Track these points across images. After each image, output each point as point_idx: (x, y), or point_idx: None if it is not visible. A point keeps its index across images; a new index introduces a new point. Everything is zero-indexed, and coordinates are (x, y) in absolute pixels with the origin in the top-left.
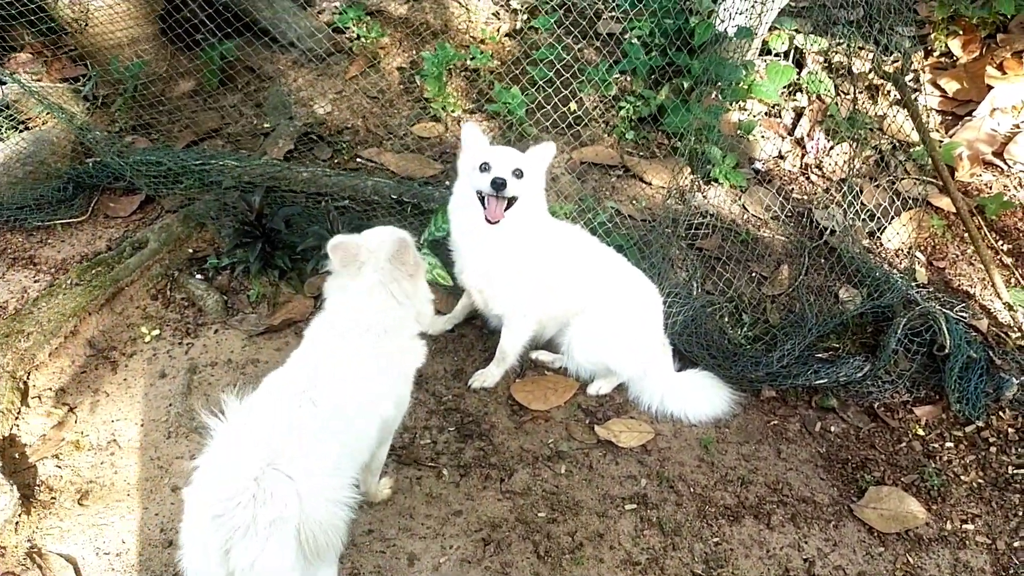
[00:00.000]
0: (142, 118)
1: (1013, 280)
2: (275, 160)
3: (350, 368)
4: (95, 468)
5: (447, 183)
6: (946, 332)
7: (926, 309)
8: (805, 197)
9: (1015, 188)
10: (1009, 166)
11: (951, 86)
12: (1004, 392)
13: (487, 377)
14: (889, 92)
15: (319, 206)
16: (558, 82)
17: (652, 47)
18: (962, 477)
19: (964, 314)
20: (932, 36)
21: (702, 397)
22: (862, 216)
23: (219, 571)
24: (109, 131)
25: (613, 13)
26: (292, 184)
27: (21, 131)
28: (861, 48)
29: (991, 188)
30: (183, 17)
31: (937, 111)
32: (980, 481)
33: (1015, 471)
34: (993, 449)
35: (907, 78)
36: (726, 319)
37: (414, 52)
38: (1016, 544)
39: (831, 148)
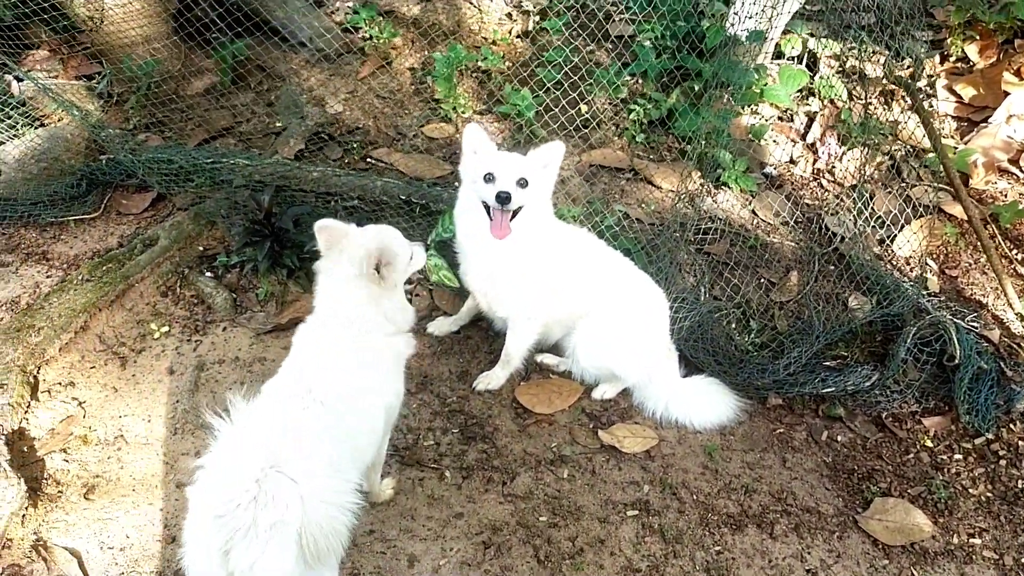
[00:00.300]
0: (155, 116)
1: None
2: (286, 159)
3: (333, 360)
4: (102, 463)
5: (456, 184)
6: (956, 342)
7: (936, 318)
8: (816, 203)
9: None
10: None
11: (967, 92)
12: (1015, 404)
13: (492, 379)
14: (903, 97)
15: (329, 206)
16: (568, 84)
17: (663, 50)
18: (970, 490)
19: (976, 324)
20: (948, 41)
21: (707, 404)
22: (873, 223)
23: (219, 572)
24: (123, 128)
25: (624, 15)
26: (302, 183)
27: (37, 127)
28: (874, 53)
29: (1006, 196)
30: (195, 16)
31: (953, 117)
32: (988, 495)
33: None
34: (1003, 462)
35: (920, 84)
36: (733, 325)
37: (426, 52)
38: None
39: (843, 153)
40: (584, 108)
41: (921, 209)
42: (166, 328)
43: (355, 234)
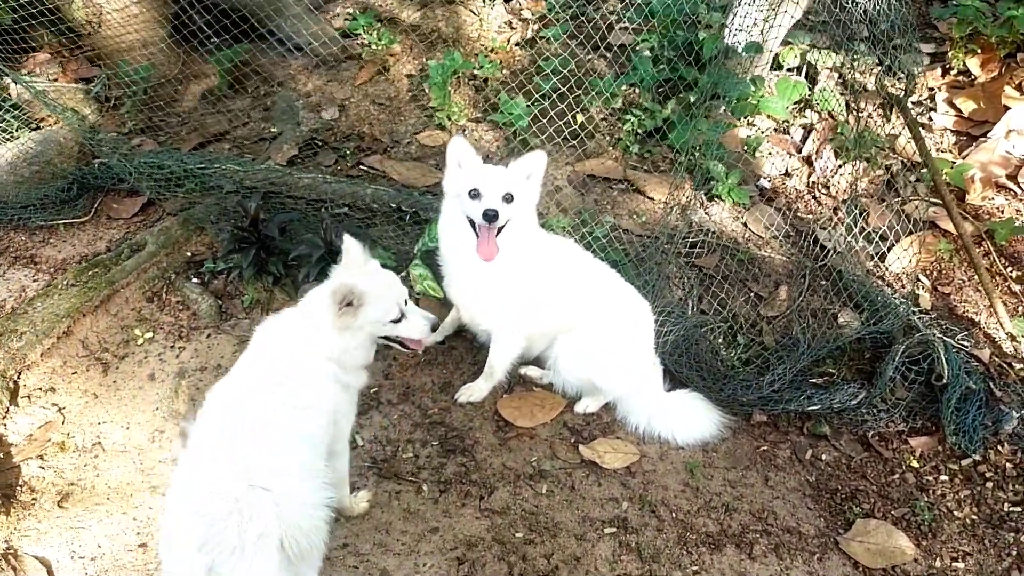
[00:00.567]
0: (151, 120)
1: (1021, 309)
2: (277, 166)
3: (286, 366)
4: (78, 470)
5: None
6: (945, 361)
7: (925, 337)
8: (810, 216)
9: None
10: (1023, 190)
11: (967, 106)
12: (1003, 426)
13: (474, 391)
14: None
15: (320, 212)
16: (563, 93)
17: (661, 60)
18: (955, 513)
19: (966, 343)
20: (950, 54)
21: (691, 419)
22: (864, 238)
23: None
24: (119, 132)
25: (625, 25)
26: (293, 190)
27: (33, 130)
28: (874, 67)
29: (1003, 212)
30: (193, 20)
31: (952, 131)
32: (974, 518)
33: (1011, 508)
34: (989, 484)
35: (912, 98)
36: (720, 340)
37: (424, 60)
38: None
39: (839, 167)
40: (580, 117)
41: (915, 224)
42: (150, 334)
43: (359, 266)
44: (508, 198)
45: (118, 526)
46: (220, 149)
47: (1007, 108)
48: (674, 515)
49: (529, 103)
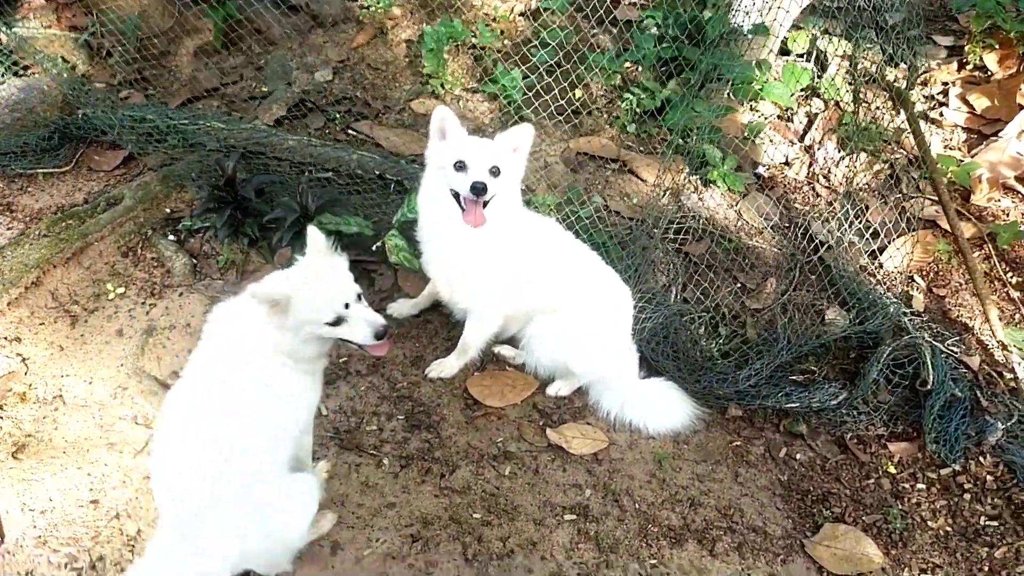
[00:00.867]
0: (141, 73)
1: (1018, 317)
2: (263, 126)
3: (235, 357)
4: (37, 422)
5: None
6: (931, 367)
7: (913, 340)
8: (806, 208)
9: None
10: None
11: (981, 103)
12: (987, 436)
13: (445, 367)
14: (915, 103)
15: (302, 176)
16: (562, 67)
17: (666, 38)
18: (929, 523)
19: (955, 348)
20: (967, 48)
21: (664, 409)
22: (860, 233)
23: None
24: (108, 84)
25: (633, 0)
26: (277, 151)
27: (19, 76)
28: (880, 56)
29: (1008, 215)
30: None
31: (962, 128)
32: (948, 529)
33: (987, 522)
34: (967, 496)
35: (925, 91)
36: (701, 330)
37: (424, 25)
38: None
39: (841, 159)
40: (579, 92)
41: (915, 223)
42: (122, 289)
43: (320, 258)
44: (495, 171)
45: (72, 481)
46: (209, 106)
47: (1021, 107)
48: (637, 506)
49: (526, 76)
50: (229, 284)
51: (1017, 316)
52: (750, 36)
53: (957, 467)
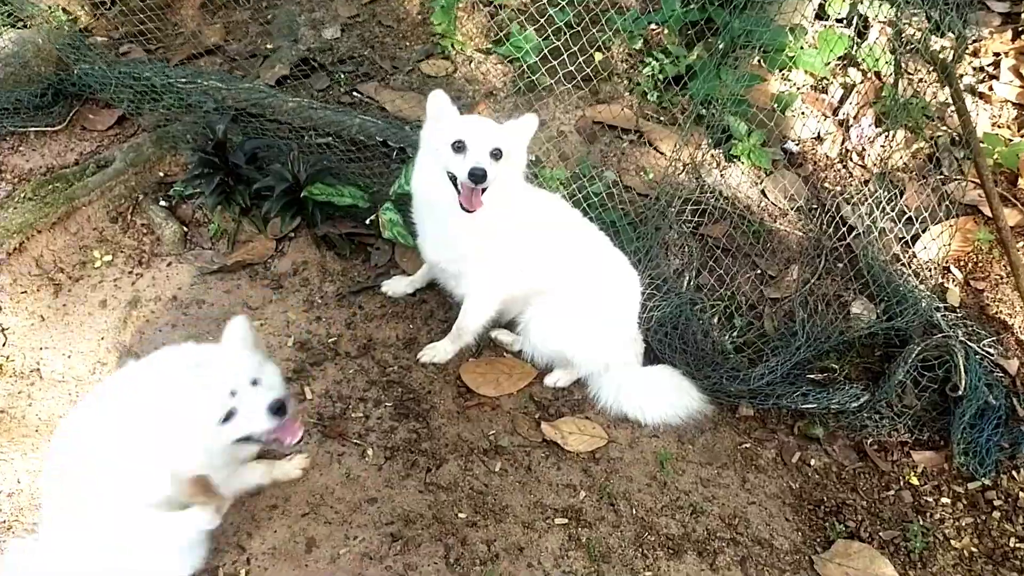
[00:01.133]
0: (143, 26)
1: None
2: (264, 85)
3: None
4: (11, 397)
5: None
6: (963, 371)
7: (945, 340)
8: (837, 189)
9: None
10: None
11: None
12: (1022, 449)
13: (438, 352)
14: (961, 76)
15: (301, 140)
16: (579, 25)
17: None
18: (952, 542)
19: (992, 350)
20: None
21: (664, 396)
22: (895, 218)
23: None
24: (109, 37)
25: None
26: (276, 114)
27: (20, 28)
28: (925, 22)
29: None
30: None
31: (1014, 104)
32: (973, 550)
33: (1018, 544)
34: (996, 514)
35: (975, 63)
36: (715, 320)
37: None
38: None
39: (878, 135)
40: (598, 56)
41: (956, 208)
42: (109, 257)
43: (235, 350)
44: (496, 154)
45: (43, 462)
46: (211, 63)
47: None
48: (635, 511)
49: (545, 36)
50: (219, 254)
51: None
52: None
53: (987, 481)
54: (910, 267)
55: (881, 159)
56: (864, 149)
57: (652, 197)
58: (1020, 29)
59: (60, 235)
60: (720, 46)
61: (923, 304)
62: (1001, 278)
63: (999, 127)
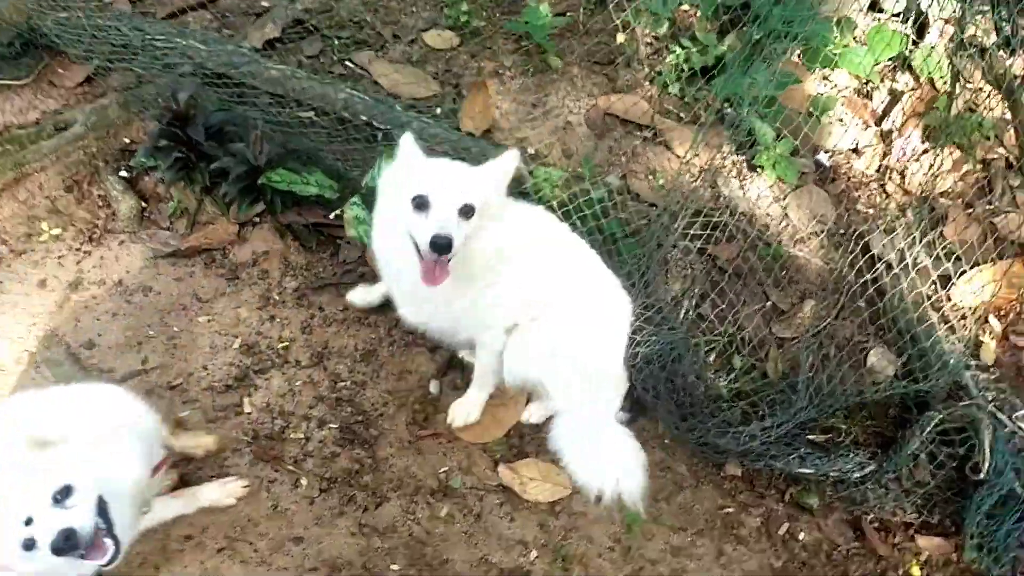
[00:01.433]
0: None
1: None
2: (250, 48)
3: None
4: None
5: (438, 109)
6: (987, 450)
7: (971, 412)
8: (870, 211)
9: None
10: None
11: None
12: None
13: (470, 408)
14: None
15: (283, 113)
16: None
17: None
18: None
19: None
20: None
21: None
22: (935, 251)
23: None
24: None
25: None
26: (257, 82)
27: None
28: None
29: None
30: None
31: None
32: None
33: None
34: None
35: None
36: (711, 358)
37: None
38: None
39: (924, 152)
40: (620, 36)
41: (1006, 246)
42: (58, 230)
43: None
44: (467, 211)
45: None
46: (201, 19)
47: None
48: None
49: (561, 14)
50: (176, 235)
51: None
52: None
53: None
54: (942, 313)
55: (927, 179)
56: (906, 167)
57: (660, 207)
58: None
59: (7, 203)
60: (755, 36)
61: (952, 360)
62: None
63: None
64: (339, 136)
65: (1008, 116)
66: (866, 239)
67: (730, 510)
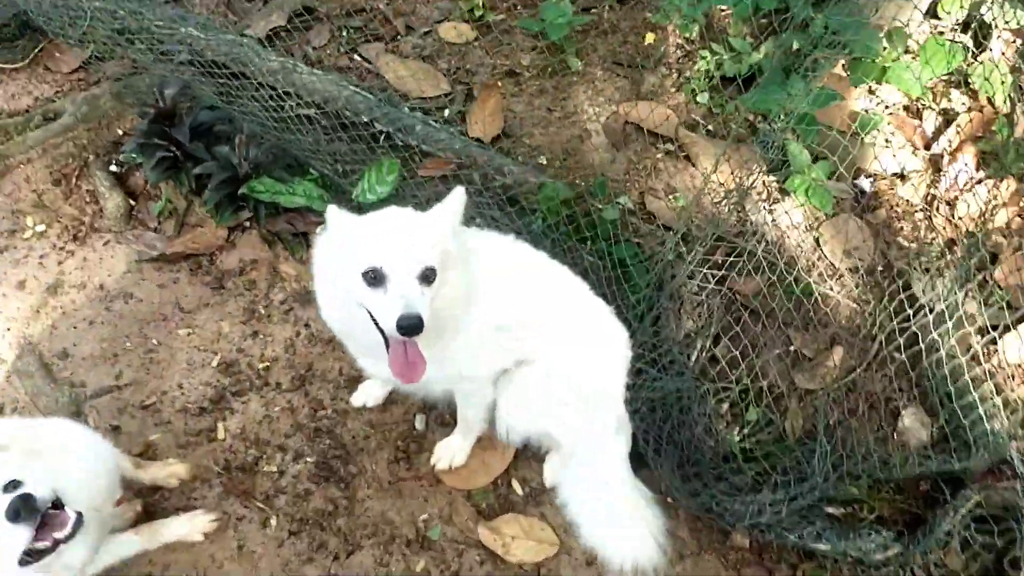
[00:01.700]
0: None
1: None
2: (247, 38)
3: None
4: None
5: (446, 110)
6: None
7: (1013, 493)
8: (912, 246)
9: None
10: None
11: None
12: None
13: (454, 452)
14: None
15: (282, 108)
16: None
17: None
18: None
19: None
20: None
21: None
22: (984, 297)
23: None
24: None
25: None
26: (258, 74)
27: None
28: None
29: None
30: None
31: None
32: None
33: None
34: None
35: None
36: (724, 407)
37: None
38: None
39: (979, 181)
40: (650, 37)
41: None
42: (43, 227)
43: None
44: (429, 275)
45: None
46: (205, 3)
47: None
48: None
49: (584, 9)
50: (163, 238)
51: None
52: None
53: None
54: (990, 371)
55: (981, 213)
56: (957, 198)
57: (675, 229)
58: None
59: None
60: (794, 46)
61: (995, 428)
62: None
63: None
64: (337, 136)
65: None
66: (906, 278)
67: None
